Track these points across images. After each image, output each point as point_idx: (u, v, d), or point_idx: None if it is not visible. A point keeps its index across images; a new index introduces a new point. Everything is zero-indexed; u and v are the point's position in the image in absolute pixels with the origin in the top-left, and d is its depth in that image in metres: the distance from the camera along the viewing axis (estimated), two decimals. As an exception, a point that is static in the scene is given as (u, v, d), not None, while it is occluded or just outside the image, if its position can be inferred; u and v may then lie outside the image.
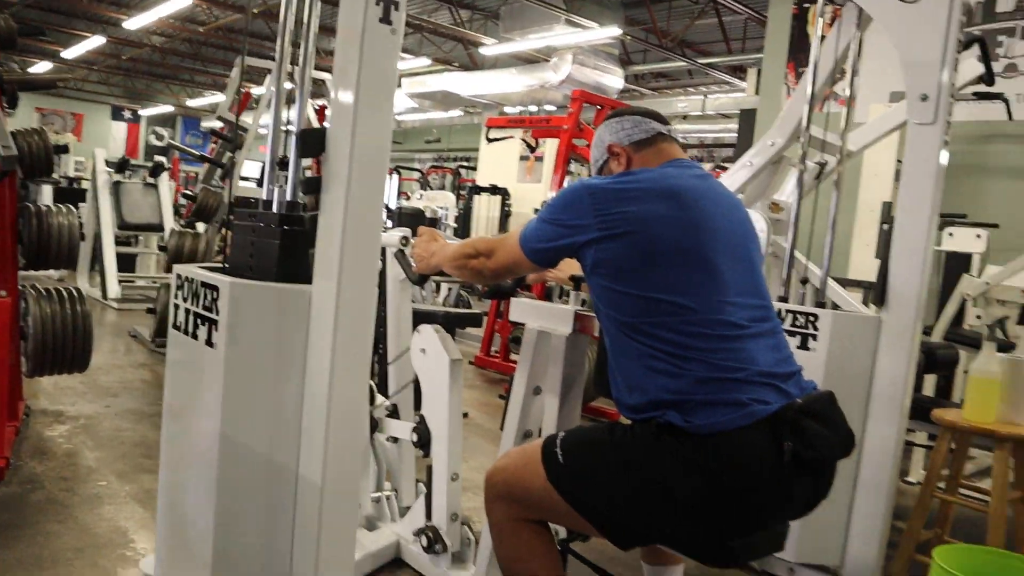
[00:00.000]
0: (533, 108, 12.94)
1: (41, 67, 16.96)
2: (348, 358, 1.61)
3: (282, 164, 1.80)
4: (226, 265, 1.85)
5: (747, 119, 9.14)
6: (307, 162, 2.10)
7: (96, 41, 13.93)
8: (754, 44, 10.85)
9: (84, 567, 2.36)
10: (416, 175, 14.57)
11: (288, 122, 1.86)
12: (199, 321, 1.72)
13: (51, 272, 7.58)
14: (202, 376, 1.71)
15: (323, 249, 1.65)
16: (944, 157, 2.48)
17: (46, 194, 7.93)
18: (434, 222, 8.93)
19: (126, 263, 8.26)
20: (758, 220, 2.92)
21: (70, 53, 15.27)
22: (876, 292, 2.62)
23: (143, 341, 5.78)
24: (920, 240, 2.50)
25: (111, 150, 15.72)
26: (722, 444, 1.48)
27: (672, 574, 2.05)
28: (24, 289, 3.53)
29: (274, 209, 1.78)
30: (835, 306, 2.94)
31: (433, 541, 2.36)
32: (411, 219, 7.29)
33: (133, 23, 11.96)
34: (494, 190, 10.05)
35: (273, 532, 1.67)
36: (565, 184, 5.99)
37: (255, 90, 7.79)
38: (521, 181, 10.69)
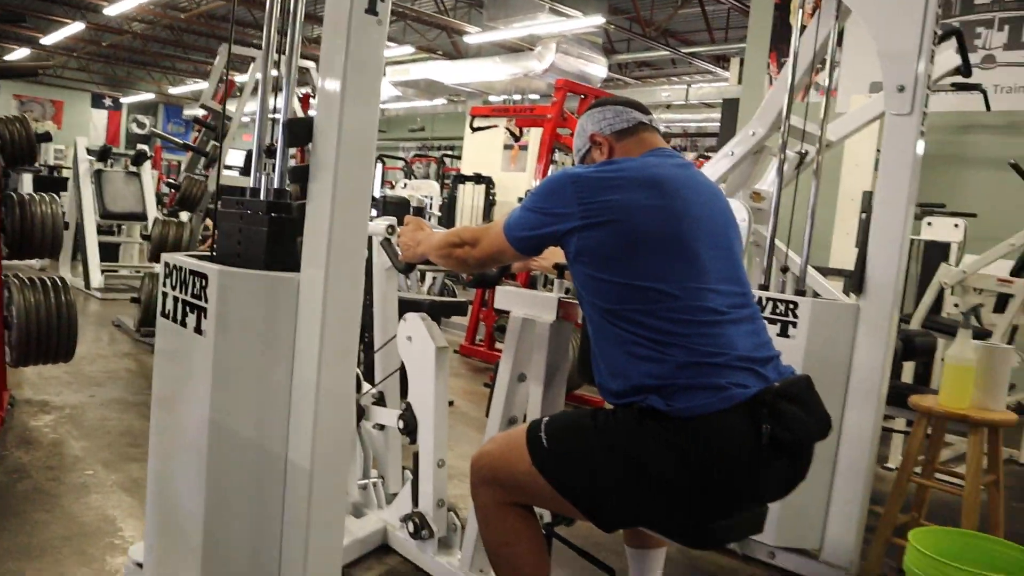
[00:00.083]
0: (517, 97, 12.94)
1: (19, 54, 16.75)
2: (336, 345, 1.63)
3: (269, 152, 1.81)
4: (214, 253, 1.86)
5: (730, 108, 9.20)
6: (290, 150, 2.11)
7: (76, 27, 13.77)
8: (737, 34, 10.90)
9: (72, 555, 2.37)
10: (400, 164, 14.54)
11: (275, 110, 1.87)
12: (188, 309, 1.73)
13: (32, 262, 7.53)
14: (191, 363, 1.72)
15: (311, 237, 1.67)
16: (920, 147, 2.53)
17: (27, 183, 7.86)
18: (420, 211, 8.93)
19: (109, 252, 8.22)
20: (739, 209, 2.96)
21: (49, 39, 15.08)
22: (854, 280, 2.66)
23: (127, 331, 5.76)
24: (897, 229, 2.54)
25: (92, 138, 15.57)
26: (702, 427, 1.52)
27: (655, 557, 2.08)
28: (8, 278, 3.53)
29: (261, 197, 1.80)
30: (815, 294, 2.98)
31: (420, 527, 2.39)
32: (396, 208, 7.28)
33: (113, 9, 11.82)
34: (478, 179, 10.07)
35: (262, 518, 1.69)
36: (549, 173, 6.02)
37: (238, 78, 7.75)
38: (505, 170, 10.72)
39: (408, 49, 13.17)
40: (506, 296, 2.25)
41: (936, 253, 4.97)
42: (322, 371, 1.60)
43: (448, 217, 9.76)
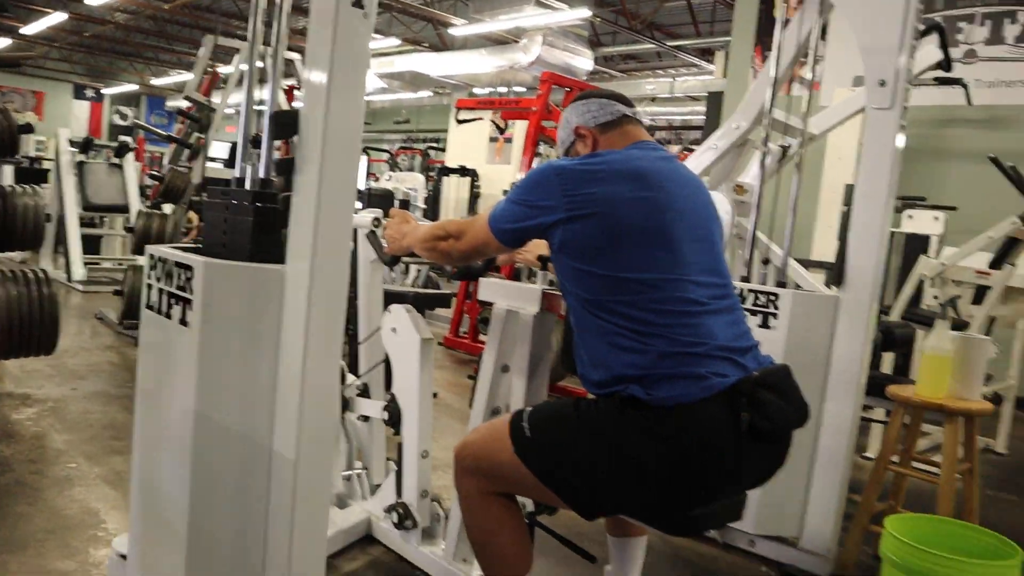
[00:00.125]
0: (503, 89, 12.92)
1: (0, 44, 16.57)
2: (321, 337, 1.64)
3: (254, 142, 1.82)
4: (199, 245, 1.87)
5: (715, 101, 9.24)
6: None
7: (57, 17, 13.61)
8: (722, 27, 10.94)
9: (56, 548, 2.38)
10: (385, 156, 14.50)
11: (260, 102, 1.87)
12: (173, 301, 1.74)
13: (12, 254, 7.46)
14: (176, 355, 1.73)
15: (296, 229, 1.67)
16: (901, 141, 2.56)
17: (7, 175, 7.78)
18: (405, 204, 8.92)
19: (91, 245, 8.16)
20: (723, 202, 2.99)
21: (30, 29, 14.90)
22: (834, 272, 2.70)
23: (110, 324, 5.74)
24: (877, 222, 2.58)
25: (73, 130, 15.42)
26: (682, 416, 1.54)
27: (636, 545, 2.11)
28: (-11, 270, 3.51)
29: (247, 187, 1.80)
30: (797, 286, 3.02)
31: (403, 517, 2.40)
32: (381, 200, 7.27)
33: (96, -1, 11.73)
34: (463, 171, 10.06)
35: (248, 508, 1.70)
36: (534, 166, 6.03)
37: (222, 69, 7.70)
38: (490, 162, 10.71)
39: (394, 41, 13.12)
40: (490, 288, 2.27)
41: (916, 245, 5.02)
42: (307, 362, 1.61)
43: (433, 210, 9.75)
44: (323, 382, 1.67)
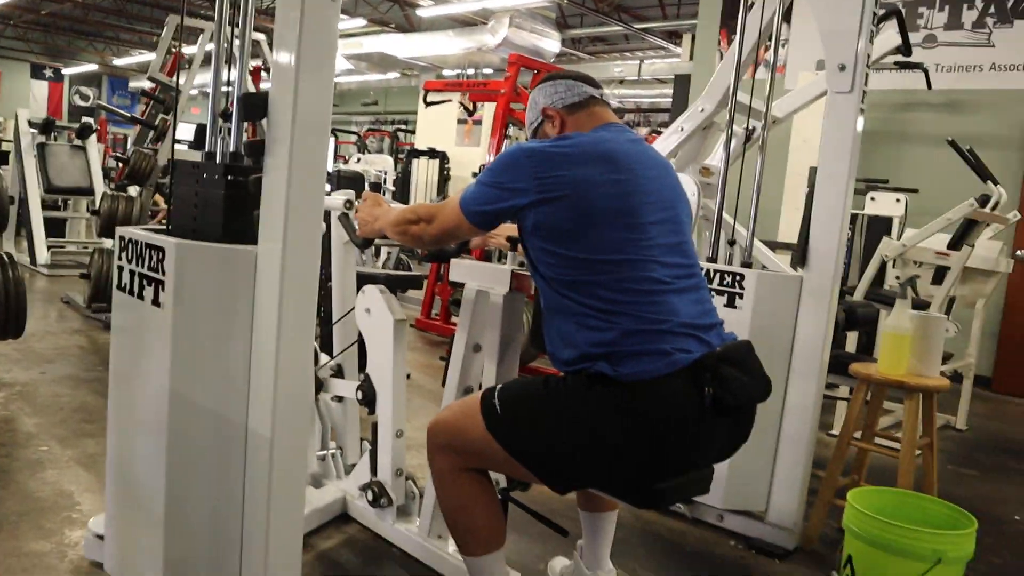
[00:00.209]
0: (471, 71, 12.88)
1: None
2: (294, 316, 1.66)
3: (224, 116, 1.82)
4: (168, 226, 1.87)
5: (682, 84, 9.31)
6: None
7: (14, -5, 13.33)
8: (689, 10, 10.97)
9: (30, 530, 2.37)
10: (353, 138, 14.39)
11: (228, 82, 1.87)
12: (145, 282, 1.74)
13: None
14: (150, 336, 1.74)
15: (267, 210, 1.69)
16: (860, 124, 2.61)
17: (-35, 157, 7.65)
18: (377, 187, 8.88)
19: (55, 228, 8.04)
20: (689, 184, 3.03)
21: (-16, 7, 14.58)
22: (798, 252, 2.76)
23: (77, 307, 5.67)
24: (838, 203, 2.63)
25: (32, 111, 15.10)
26: (648, 391, 1.59)
27: (607, 519, 2.16)
28: (-47, 254, 3.46)
29: (217, 161, 1.80)
30: (763, 267, 3.07)
31: (379, 495, 2.43)
32: (350, 182, 7.24)
33: (53, -23, 11.47)
34: (432, 154, 10.04)
35: (224, 486, 1.72)
36: (503, 148, 6.04)
37: (186, 50, 7.60)
38: (459, 144, 10.69)
39: (360, 22, 13.01)
40: (460, 269, 2.29)
41: (879, 227, 5.13)
42: (281, 340, 1.62)
43: (402, 192, 9.72)
44: (297, 360, 1.69)
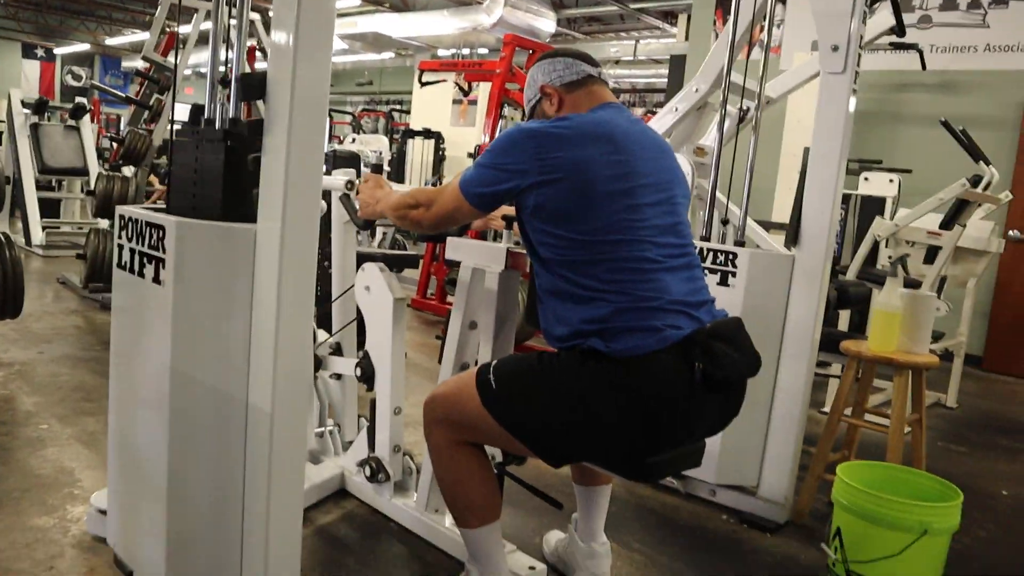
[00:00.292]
0: (466, 51, 12.83)
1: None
2: (293, 293, 1.68)
3: (224, 83, 1.83)
4: (168, 205, 1.89)
5: (677, 65, 9.28)
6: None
7: (4, -26, 13.19)
8: (685, -11, 10.92)
9: (32, 506, 2.41)
10: (348, 118, 14.34)
11: (226, 61, 1.88)
12: (146, 260, 1.77)
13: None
14: (151, 313, 1.76)
15: (267, 190, 1.70)
16: (852, 104, 2.63)
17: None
18: (379, 168, 8.86)
19: (49, 209, 8.03)
20: (683, 164, 3.05)
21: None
22: (790, 232, 2.78)
23: (73, 287, 5.69)
24: (830, 183, 2.66)
25: (24, 91, 15.00)
26: (639, 366, 1.62)
27: (601, 493, 2.20)
28: (-50, 234, 3.47)
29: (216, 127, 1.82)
30: (757, 247, 3.10)
31: (376, 471, 2.46)
32: (347, 163, 7.23)
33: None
34: (427, 134, 10.02)
35: (225, 460, 1.75)
36: (499, 128, 6.05)
37: (181, 29, 7.55)
38: (455, 124, 10.68)
39: (355, 1, 12.92)
40: (456, 247, 2.32)
41: (872, 207, 5.15)
42: (280, 317, 1.65)
43: (398, 172, 9.72)
44: (296, 337, 1.71)
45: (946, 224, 4.35)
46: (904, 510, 2.09)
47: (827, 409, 4.21)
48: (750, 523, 2.78)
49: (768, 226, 4.67)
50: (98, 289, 5.26)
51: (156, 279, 1.73)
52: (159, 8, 6.52)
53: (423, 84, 7.33)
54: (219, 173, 1.76)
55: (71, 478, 2.62)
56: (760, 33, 3.77)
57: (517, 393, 1.76)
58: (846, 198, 5.11)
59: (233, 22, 1.90)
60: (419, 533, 2.42)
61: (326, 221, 2.59)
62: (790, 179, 6.19)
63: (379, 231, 7.67)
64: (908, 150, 6.20)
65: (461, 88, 8.56)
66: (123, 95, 6.65)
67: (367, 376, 2.43)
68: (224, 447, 1.75)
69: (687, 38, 8.95)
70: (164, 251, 1.71)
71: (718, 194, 2.98)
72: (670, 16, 12.05)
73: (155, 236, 1.74)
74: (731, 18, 2.98)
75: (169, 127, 5.29)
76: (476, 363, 2.33)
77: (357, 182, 2.37)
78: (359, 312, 2.50)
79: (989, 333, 6.11)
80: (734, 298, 2.70)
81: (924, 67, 4.99)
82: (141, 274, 1.79)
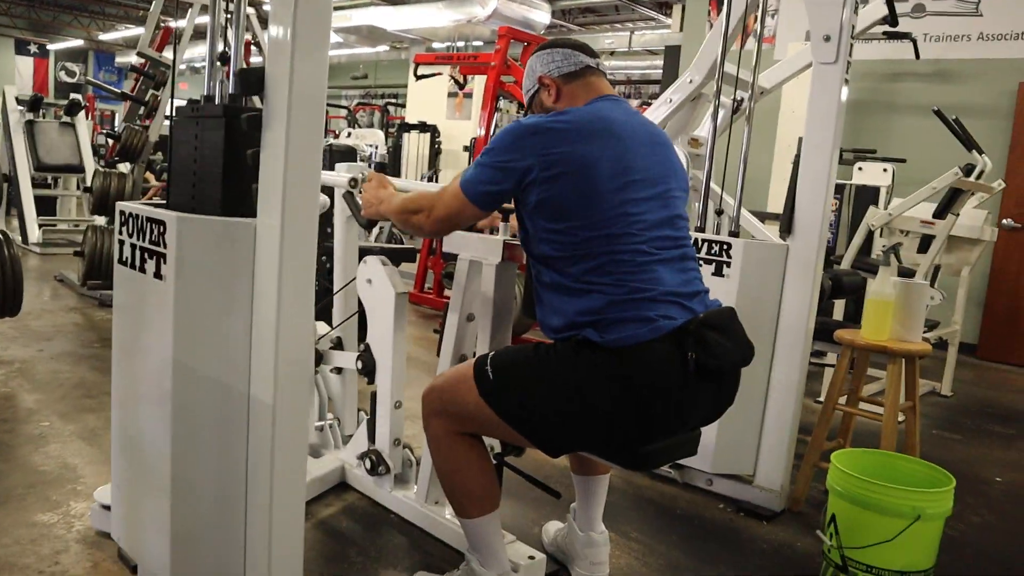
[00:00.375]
0: (461, 44, 12.81)
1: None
2: (293, 286, 1.69)
3: (222, 59, 1.84)
4: (167, 200, 1.90)
5: (672, 56, 9.29)
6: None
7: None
8: (679, -20, 10.91)
9: (36, 502, 2.43)
10: (343, 112, 14.31)
11: (224, 53, 1.89)
12: (147, 255, 1.78)
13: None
14: (152, 307, 1.78)
15: (266, 184, 1.72)
16: (845, 94, 2.65)
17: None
18: (383, 167, 8.84)
19: (46, 206, 8.03)
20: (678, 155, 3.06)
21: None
22: (784, 221, 2.81)
23: (71, 285, 5.70)
24: (823, 173, 2.68)
25: (18, 87, 14.95)
26: (633, 356, 1.64)
27: (599, 483, 2.23)
28: (-51, 232, 3.48)
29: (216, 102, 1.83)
30: (752, 237, 3.12)
31: (376, 464, 2.48)
32: (343, 157, 7.24)
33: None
34: (423, 127, 10.01)
35: (228, 454, 1.77)
36: (494, 120, 6.05)
37: (178, 24, 7.53)
38: (450, 118, 10.67)
39: (348, -7, 12.88)
40: (453, 240, 2.33)
41: (867, 197, 5.18)
42: (281, 311, 1.66)
43: (394, 166, 9.71)
44: (297, 330, 1.73)
45: (939, 213, 4.38)
46: (897, 496, 2.11)
47: (822, 398, 4.24)
48: (747, 511, 2.80)
49: (763, 216, 4.70)
50: (96, 286, 5.28)
51: (157, 274, 1.75)
52: (154, 3, 6.51)
53: (418, 77, 7.31)
54: (220, 149, 1.76)
55: (74, 474, 2.64)
56: (754, 23, 3.79)
57: (514, 384, 1.78)
58: (840, 188, 5.14)
59: (233, 16, 1.91)
60: (419, 524, 2.45)
61: (326, 217, 2.60)
62: (785, 169, 6.21)
63: (375, 227, 7.67)
64: (902, 139, 6.21)
65: (456, 81, 8.55)
66: (119, 91, 6.64)
67: (368, 369, 2.44)
68: (227, 440, 1.77)
69: (681, 29, 8.95)
70: (165, 246, 1.73)
71: (712, 185, 3.00)
72: (665, 7, 12.05)
73: (156, 231, 1.75)
74: (724, 8, 2.99)
75: (168, 123, 5.30)
76: (474, 355, 2.35)
77: (360, 179, 2.38)
78: (360, 306, 2.51)
79: (983, 321, 6.15)
80: (729, 288, 2.72)
81: (918, 56, 5.00)
82: (142, 270, 1.81)
